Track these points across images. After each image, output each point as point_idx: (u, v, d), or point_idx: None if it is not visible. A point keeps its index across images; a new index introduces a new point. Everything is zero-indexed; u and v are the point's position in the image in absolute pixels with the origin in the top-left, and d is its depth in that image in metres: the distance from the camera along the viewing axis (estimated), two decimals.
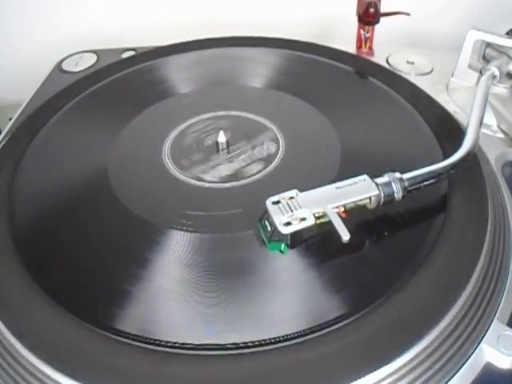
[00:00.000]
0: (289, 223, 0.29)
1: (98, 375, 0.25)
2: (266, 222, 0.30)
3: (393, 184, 0.31)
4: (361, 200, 0.30)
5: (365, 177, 0.31)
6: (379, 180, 0.31)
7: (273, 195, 0.31)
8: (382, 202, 0.31)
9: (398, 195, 0.31)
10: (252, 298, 0.29)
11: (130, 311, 0.29)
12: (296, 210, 0.29)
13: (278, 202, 0.30)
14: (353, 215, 0.31)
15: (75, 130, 0.43)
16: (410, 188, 0.31)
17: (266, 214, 0.30)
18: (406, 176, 0.31)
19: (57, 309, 0.28)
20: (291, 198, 0.30)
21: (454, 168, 0.32)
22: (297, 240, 0.30)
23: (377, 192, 0.31)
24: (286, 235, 0.29)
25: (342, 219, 0.29)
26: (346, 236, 0.28)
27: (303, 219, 0.29)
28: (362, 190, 0.31)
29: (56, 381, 0.25)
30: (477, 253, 0.30)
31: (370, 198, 0.31)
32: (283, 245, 0.30)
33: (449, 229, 0.31)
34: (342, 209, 0.30)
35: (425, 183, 0.32)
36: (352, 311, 0.27)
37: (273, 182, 0.36)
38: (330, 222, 0.29)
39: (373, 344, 0.26)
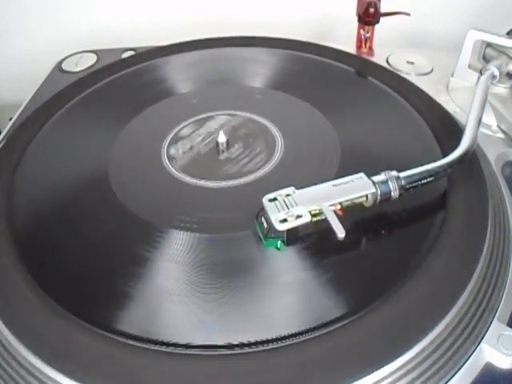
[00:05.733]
0: (285, 220, 0.29)
1: (97, 375, 0.25)
2: (263, 219, 0.30)
3: (389, 182, 0.31)
4: (357, 198, 0.31)
5: (361, 175, 0.31)
6: (376, 178, 0.31)
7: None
8: (378, 200, 0.31)
9: (395, 193, 0.31)
10: (252, 297, 0.29)
11: (130, 311, 0.29)
12: (292, 208, 0.29)
13: (274, 200, 0.30)
14: (353, 215, 0.31)
15: (75, 130, 0.43)
16: (407, 186, 0.31)
17: (262, 211, 0.30)
18: (402, 174, 0.31)
19: (57, 309, 0.28)
20: (288, 195, 0.30)
21: (451, 167, 0.32)
22: (293, 237, 0.30)
23: (373, 190, 0.31)
24: (282, 232, 0.29)
25: (338, 217, 0.29)
26: (341, 233, 0.28)
27: (299, 216, 0.29)
28: (358, 187, 0.31)
29: (56, 381, 0.26)
30: (477, 253, 0.30)
31: (366, 196, 0.31)
32: (279, 242, 0.30)
33: (449, 229, 0.31)
34: (339, 206, 0.30)
35: (422, 182, 0.32)
36: (352, 311, 0.27)
37: (272, 182, 0.36)
38: (326, 220, 0.29)
39: (373, 344, 0.26)
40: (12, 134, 0.43)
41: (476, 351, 0.27)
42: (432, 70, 0.51)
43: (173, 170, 0.38)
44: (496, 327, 0.28)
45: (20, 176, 0.38)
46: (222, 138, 0.39)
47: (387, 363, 0.25)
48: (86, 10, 0.66)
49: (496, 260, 0.31)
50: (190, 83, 0.49)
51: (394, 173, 0.31)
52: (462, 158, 0.33)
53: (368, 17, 0.52)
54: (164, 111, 0.45)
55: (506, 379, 0.26)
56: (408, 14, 0.52)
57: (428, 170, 0.32)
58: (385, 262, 0.31)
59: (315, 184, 0.31)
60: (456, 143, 0.34)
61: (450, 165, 0.32)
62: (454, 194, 0.33)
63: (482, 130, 0.40)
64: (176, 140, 0.41)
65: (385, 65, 0.51)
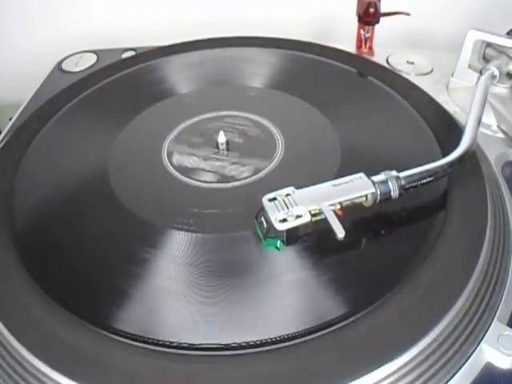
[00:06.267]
0: (284, 220, 0.29)
1: (97, 375, 0.25)
2: (262, 219, 0.30)
3: (389, 182, 0.31)
4: (357, 198, 0.31)
5: (361, 175, 0.31)
6: (375, 178, 0.31)
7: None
8: (378, 200, 0.31)
9: (395, 193, 0.31)
10: (252, 298, 0.29)
11: (130, 311, 0.29)
12: (292, 207, 0.29)
13: (274, 199, 0.30)
14: (354, 215, 0.31)
15: (75, 130, 0.43)
16: (407, 186, 0.31)
17: (262, 211, 0.30)
18: (402, 174, 0.31)
19: (57, 309, 0.28)
20: (287, 195, 0.30)
21: (451, 167, 0.32)
22: (293, 237, 0.30)
23: (373, 190, 0.31)
24: (282, 232, 0.29)
25: (338, 217, 0.29)
26: (340, 233, 0.28)
27: (299, 216, 0.29)
28: (358, 187, 0.31)
29: (56, 381, 0.26)
30: (477, 253, 0.30)
31: (366, 196, 0.31)
32: (279, 241, 0.30)
33: (449, 229, 0.31)
34: (338, 206, 0.30)
35: (422, 181, 0.32)
36: (352, 311, 0.27)
37: (272, 182, 0.36)
38: (325, 220, 0.29)
39: (373, 344, 0.26)
40: (12, 134, 0.43)
41: (476, 351, 0.27)
42: (432, 70, 0.51)
43: (173, 170, 0.38)
44: (496, 327, 0.28)
45: (20, 176, 0.38)
46: (221, 138, 0.39)
47: (387, 363, 0.25)
48: (86, 10, 0.66)
49: (496, 260, 0.31)
50: (190, 83, 0.49)
51: (394, 173, 0.31)
52: (461, 158, 0.33)
53: (368, 17, 0.52)
54: (164, 111, 0.45)
55: (506, 379, 0.26)
56: (408, 14, 0.52)
57: (428, 170, 0.32)
58: (384, 262, 0.31)
59: (315, 184, 0.31)
60: (456, 143, 0.34)
61: (450, 165, 0.32)
62: (453, 194, 0.33)
63: (482, 129, 0.40)
64: (176, 140, 0.41)
65: (385, 65, 0.51)
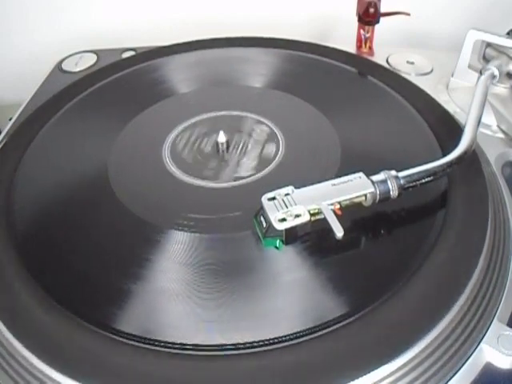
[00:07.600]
0: (284, 219, 0.29)
1: (98, 375, 0.25)
2: (261, 218, 0.30)
3: (388, 182, 0.31)
4: (356, 197, 0.31)
5: (360, 174, 0.31)
6: (375, 177, 0.31)
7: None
8: (377, 200, 0.31)
9: (394, 193, 0.31)
10: (252, 297, 0.29)
11: (130, 311, 0.29)
12: (291, 207, 0.29)
13: (273, 199, 0.30)
14: (352, 214, 0.31)
15: (75, 130, 0.43)
16: (406, 186, 0.31)
17: (261, 210, 0.30)
18: (401, 174, 0.31)
19: (57, 309, 0.28)
20: (287, 194, 0.30)
21: (450, 166, 0.32)
22: (292, 236, 0.30)
23: (372, 189, 0.31)
24: (281, 231, 0.29)
25: (337, 216, 0.29)
26: (339, 232, 0.28)
27: (298, 215, 0.29)
28: (357, 187, 0.31)
29: (56, 381, 0.26)
30: (477, 253, 0.30)
31: (365, 196, 0.31)
32: (278, 241, 0.30)
33: (449, 229, 0.31)
34: (338, 206, 0.30)
35: (421, 181, 0.32)
36: (352, 311, 0.27)
37: (272, 182, 0.36)
38: (325, 219, 0.29)
39: (373, 344, 0.26)
40: (12, 134, 0.43)
41: (476, 351, 0.27)
42: (432, 70, 0.51)
43: (173, 169, 0.38)
44: (496, 327, 0.28)
45: (20, 176, 0.38)
46: (222, 138, 0.39)
47: (387, 363, 0.25)
48: (86, 10, 0.67)
49: (496, 260, 0.31)
50: (190, 83, 0.49)
51: (393, 172, 0.31)
52: (460, 158, 0.33)
53: (368, 17, 0.52)
54: (164, 111, 0.45)
55: (506, 379, 0.26)
56: (408, 14, 0.52)
57: (427, 170, 0.32)
58: (384, 262, 0.31)
59: (315, 183, 0.31)
60: (456, 143, 0.34)
61: (449, 165, 0.32)
62: (454, 194, 0.33)
63: (481, 130, 0.40)
64: (176, 140, 0.41)
65: (385, 65, 0.51)
